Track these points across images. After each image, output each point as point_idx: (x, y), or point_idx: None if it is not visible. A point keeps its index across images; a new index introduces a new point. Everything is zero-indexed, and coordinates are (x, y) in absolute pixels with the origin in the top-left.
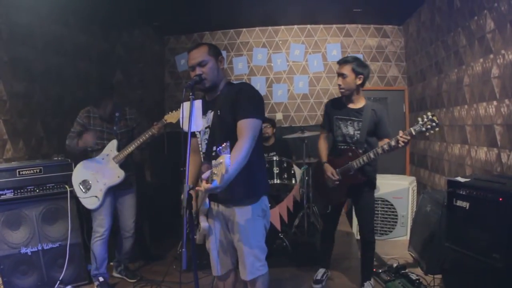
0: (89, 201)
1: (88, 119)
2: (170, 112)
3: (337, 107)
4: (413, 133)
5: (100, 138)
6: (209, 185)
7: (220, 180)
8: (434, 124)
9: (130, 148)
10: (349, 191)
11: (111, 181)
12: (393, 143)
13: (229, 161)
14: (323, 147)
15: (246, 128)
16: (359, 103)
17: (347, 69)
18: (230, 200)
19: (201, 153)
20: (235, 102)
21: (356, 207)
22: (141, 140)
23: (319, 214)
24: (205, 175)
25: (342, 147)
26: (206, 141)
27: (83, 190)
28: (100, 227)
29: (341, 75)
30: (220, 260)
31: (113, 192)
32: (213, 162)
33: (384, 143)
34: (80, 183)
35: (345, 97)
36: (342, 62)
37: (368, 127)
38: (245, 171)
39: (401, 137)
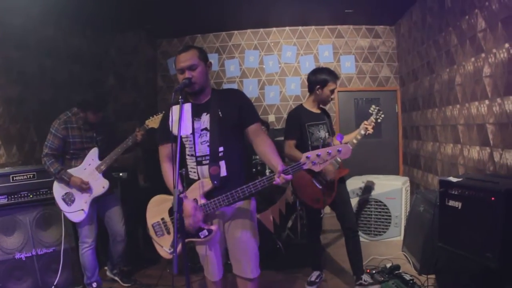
0: (75, 215)
1: (66, 130)
2: (151, 117)
3: (305, 115)
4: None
5: (80, 148)
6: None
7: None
8: (381, 112)
9: (113, 156)
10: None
11: (96, 192)
12: (362, 132)
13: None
14: (299, 152)
15: (261, 130)
16: (317, 108)
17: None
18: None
19: (193, 156)
20: (241, 108)
21: (338, 200)
22: (123, 147)
23: (306, 218)
24: (281, 167)
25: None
26: (208, 143)
27: (68, 203)
28: (88, 237)
29: (335, 90)
30: (219, 265)
31: (96, 201)
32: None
33: (350, 137)
34: (63, 196)
35: (317, 103)
36: (337, 78)
37: (330, 126)
38: (245, 167)
39: (367, 124)
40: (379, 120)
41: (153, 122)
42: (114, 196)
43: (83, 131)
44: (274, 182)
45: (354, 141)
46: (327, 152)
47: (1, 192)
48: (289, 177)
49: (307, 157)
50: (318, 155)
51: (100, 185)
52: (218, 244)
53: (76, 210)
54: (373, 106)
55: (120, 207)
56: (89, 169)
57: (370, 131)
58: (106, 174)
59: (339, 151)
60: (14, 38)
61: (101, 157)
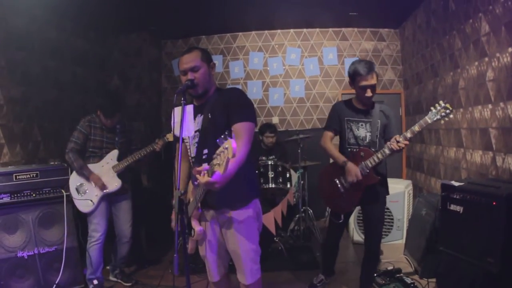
0: (84, 203)
1: (89, 128)
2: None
3: (347, 108)
4: (416, 130)
5: (99, 147)
6: (208, 178)
7: (224, 169)
8: (448, 111)
9: (131, 160)
10: (362, 196)
11: (109, 189)
12: (387, 151)
13: (235, 144)
14: (333, 148)
15: (243, 131)
16: (367, 104)
17: (375, 78)
18: (225, 204)
19: (191, 157)
20: (229, 106)
21: (367, 214)
22: (142, 154)
23: (329, 223)
24: (205, 167)
25: (354, 149)
26: (197, 145)
27: (79, 193)
28: (96, 232)
29: (372, 86)
30: (217, 266)
31: (109, 198)
32: (216, 152)
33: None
34: (77, 186)
35: (363, 99)
36: (372, 70)
37: (379, 128)
38: (239, 174)
39: (393, 143)
40: (442, 122)
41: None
42: (127, 197)
43: (105, 131)
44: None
45: (379, 156)
46: (221, 151)
47: (4, 190)
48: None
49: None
50: (217, 154)
51: (113, 183)
52: (217, 246)
53: (85, 199)
54: (441, 102)
55: (131, 209)
56: (106, 167)
57: (396, 147)
58: (122, 175)
59: (226, 148)
60: (18, 39)
61: (119, 159)
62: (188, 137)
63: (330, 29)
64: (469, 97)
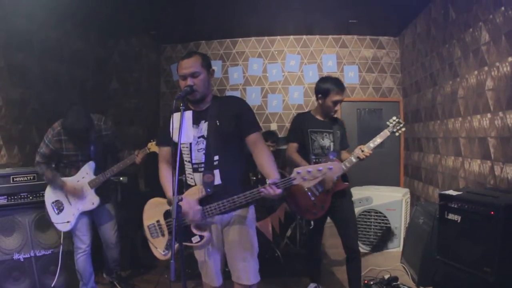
0: (61, 226)
1: (60, 143)
2: (152, 141)
3: (309, 120)
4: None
5: (75, 163)
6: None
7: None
8: (401, 125)
9: (108, 174)
10: (332, 200)
11: (85, 207)
12: (353, 159)
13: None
14: (300, 158)
15: (260, 140)
16: (329, 117)
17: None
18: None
19: (190, 163)
20: (240, 118)
21: (339, 218)
22: (120, 166)
23: (309, 231)
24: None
25: (319, 158)
26: (204, 151)
27: (56, 211)
28: (82, 243)
29: (341, 102)
30: (220, 270)
31: (89, 211)
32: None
33: (346, 156)
34: (53, 203)
35: (321, 112)
36: (344, 88)
37: (339, 138)
38: (242, 176)
39: (361, 149)
40: (397, 134)
41: (155, 146)
42: (107, 207)
43: (78, 142)
44: (261, 193)
45: (347, 164)
46: (318, 169)
47: (1, 192)
48: (279, 191)
49: (298, 173)
50: (308, 172)
51: (90, 201)
52: (217, 251)
53: (63, 222)
54: (394, 117)
55: (114, 215)
56: (82, 182)
57: (362, 156)
58: (100, 187)
59: (329, 168)
60: (17, 40)
61: (97, 169)
62: (189, 143)
63: (330, 36)
64: (468, 106)
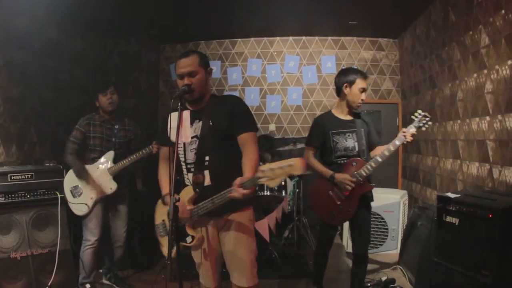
0: (78, 207)
1: (89, 126)
2: None
3: (330, 121)
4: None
5: (99, 145)
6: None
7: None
8: (427, 118)
9: (126, 162)
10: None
11: (103, 192)
12: (397, 142)
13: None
14: (317, 163)
15: (251, 141)
16: (352, 114)
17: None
18: (228, 209)
19: (184, 163)
20: (234, 116)
21: (356, 222)
22: (137, 155)
23: (319, 231)
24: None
25: (343, 161)
26: (195, 151)
27: (74, 196)
28: (92, 235)
29: (365, 90)
30: (216, 271)
31: (105, 202)
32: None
33: (382, 149)
34: (71, 188)
35: (347, 108)
36: (366, 76)
37: (364, 136)
38: (235, 177)
39: (404, 133)
40: (423, 129)
41: None
42: (124, 202)
43: (104, 129)
44: (229, 195)
45: (386, 152)
46: (279, 166)
47: None
48: (244, 191)
49: (262, 171)
50: (271, 169)
51: (108, 186)
52: (214, 252)
53: (80, 203)
54: (419, 111)
55: (127, 214)
56: (101, 168)
57: (409, 139)
58: (120, 179)
59: (290, 165)
60: (17, 39)
61: (115, 160)
62: (184, 143)
63: (329, 38)
64: (467, 109)
